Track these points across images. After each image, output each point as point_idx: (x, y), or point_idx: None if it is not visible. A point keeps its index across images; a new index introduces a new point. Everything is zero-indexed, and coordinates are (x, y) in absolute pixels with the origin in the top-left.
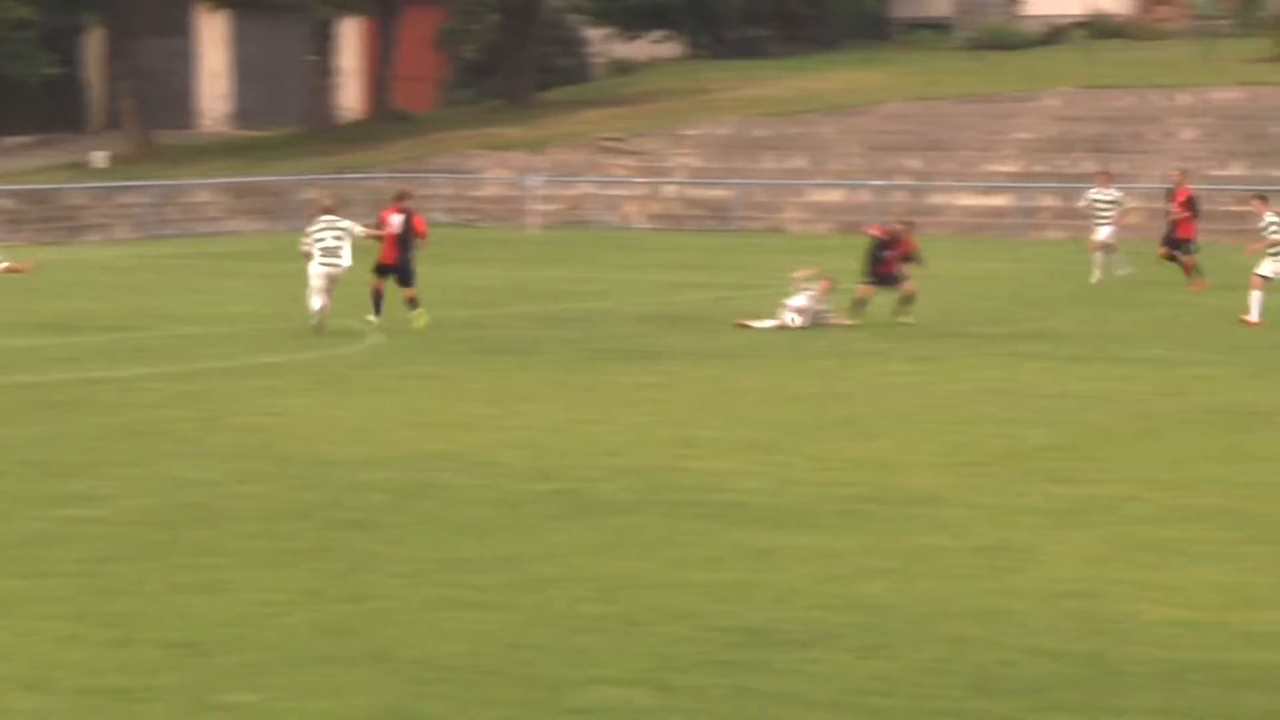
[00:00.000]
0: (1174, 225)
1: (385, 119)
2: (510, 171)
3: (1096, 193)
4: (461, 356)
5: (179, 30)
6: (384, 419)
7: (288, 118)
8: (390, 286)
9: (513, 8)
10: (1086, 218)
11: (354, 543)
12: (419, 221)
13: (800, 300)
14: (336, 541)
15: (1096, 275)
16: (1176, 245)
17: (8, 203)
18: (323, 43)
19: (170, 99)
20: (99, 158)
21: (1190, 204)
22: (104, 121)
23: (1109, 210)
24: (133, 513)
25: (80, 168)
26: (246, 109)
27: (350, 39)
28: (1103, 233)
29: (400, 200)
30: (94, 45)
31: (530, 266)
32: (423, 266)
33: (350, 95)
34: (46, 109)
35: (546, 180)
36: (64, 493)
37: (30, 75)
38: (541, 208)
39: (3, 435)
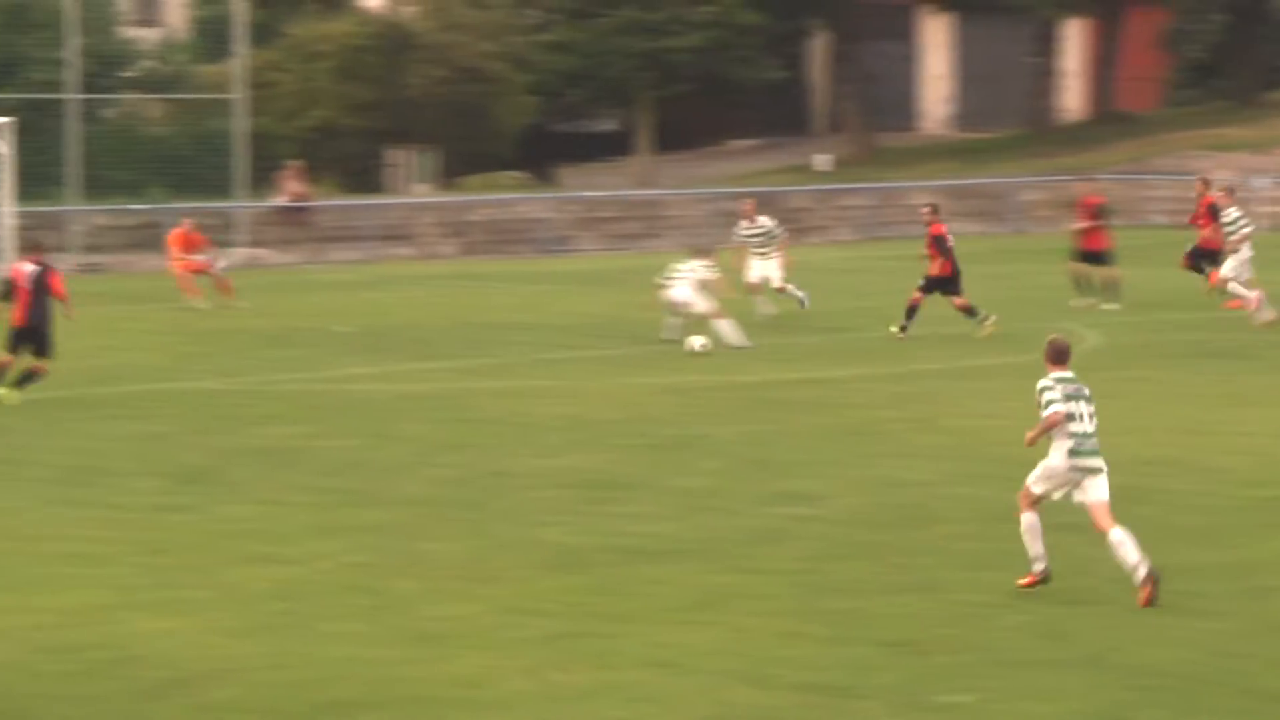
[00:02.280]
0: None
1: (1107, 120)
2: (1234, 173)
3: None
4: (1178, 360)
5: (901, 34)
6: (1101, 423)
7: (1008, 119)
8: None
9: (1241, 7)
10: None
11: (1066, 546)
12: (937, 231)
13: None
14: (1051, 544)
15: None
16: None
17: (733, 206)
18: (1044, 44)
19: (892, 102)
20: (821, 160)
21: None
22: (826, 125)
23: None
24: (848, 512)
25: (802, 170)
26: (967, 111)
27: (1073, 40)
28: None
29: (933, 211)
30: (818, 50)
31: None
32: (1144, 269)
33: (1072, 96)
34: (770, 113)
35: (1274, 182)
36: (782, 491)
37: (755, 80)
38: (1268, 209)
39: (726, 433)
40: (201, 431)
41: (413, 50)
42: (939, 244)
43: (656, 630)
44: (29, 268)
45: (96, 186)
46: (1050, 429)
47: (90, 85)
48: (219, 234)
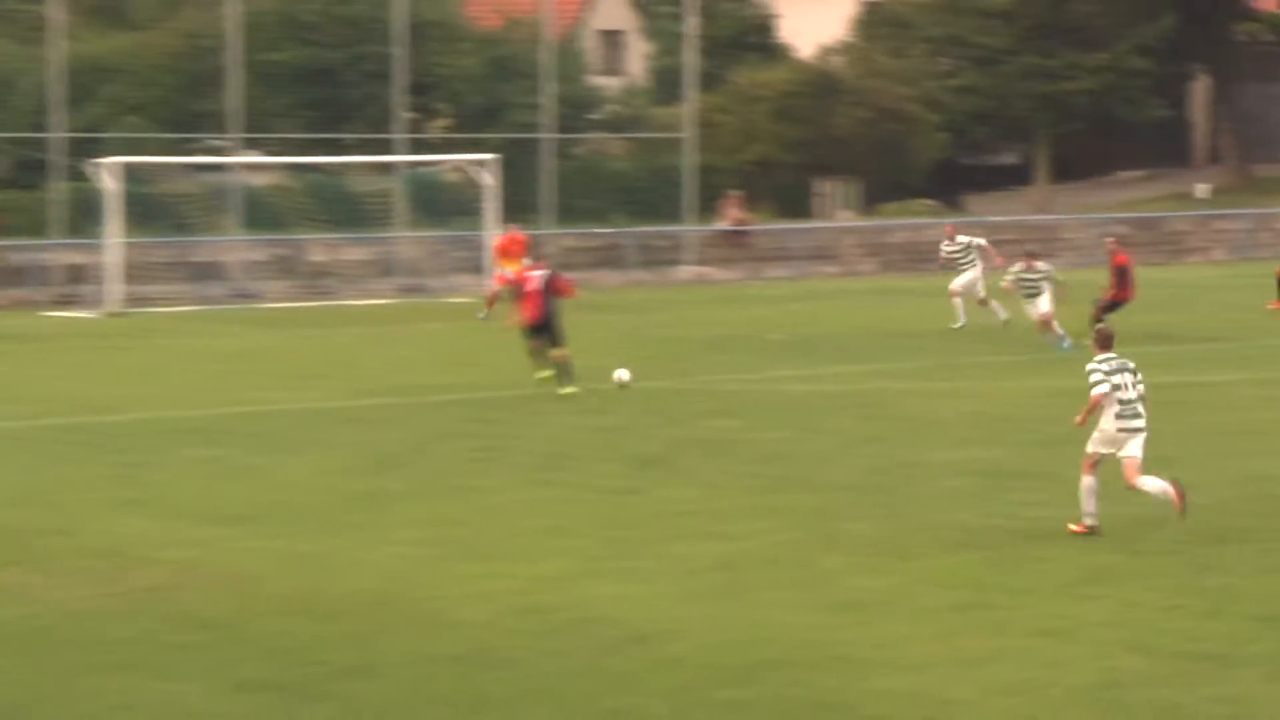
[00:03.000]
0: None
1: None
2: None
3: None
4: None
5: (1276, 76)
6: None
7: None
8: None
9: None
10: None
11: None
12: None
13: None
14: None
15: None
16: None
17: (1122, 229)
18: None
19: (1267, 136)
20: (1201, 189)
21: None
22: (1206, 157)
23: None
24: (1223, 502)
25: (1183, 198)
26: None
27: None
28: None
29: (1118, 243)
30: (1200, 90)
31: None
32: None
33: None
34: (1155, 147)
35: None
36: None
37: (1142, 117)
38: None
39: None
40: (655, 424)
41: (840, 94)
42: (1121, 273)
43: (1049, 603)
44: (538, 273)
45: (566, 213)
46: (1094, 408)
47: (563, 126)
48: (670, 254)
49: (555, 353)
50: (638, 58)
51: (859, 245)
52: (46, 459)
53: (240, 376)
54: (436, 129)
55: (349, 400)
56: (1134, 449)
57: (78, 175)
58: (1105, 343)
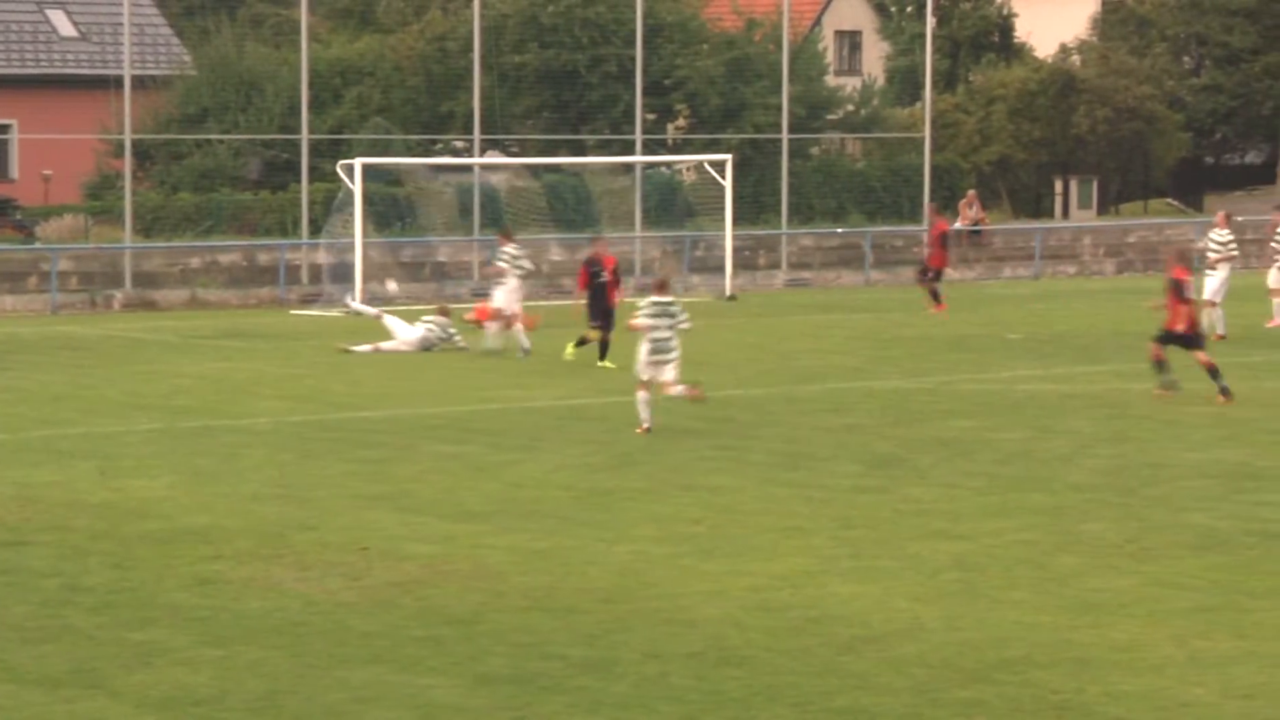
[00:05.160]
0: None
1: None
2: None
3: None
4: None
5: None
6: None
7: None
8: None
9: None
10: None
11: None
12: None
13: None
14: None
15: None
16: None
17: None
18: None
19: None
20: None
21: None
22: None
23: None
24: None
25: None
26: None
27: None
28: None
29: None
30: None
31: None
32: None
33: None
34: None
35: None
36: None
37: None
38: None
39: None
40: (891, 424)
41: (1079, 93)
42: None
43: None
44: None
45: (802, 213)
46: (637, 331)
47: (799, 126)
48: (907, 254)
49: (592, 333)
50: (875, 58)
51: (1098, 245)
52: (297, 455)
53: (481, 374)
54: (674, 130)
55: (590, 398)
56: (666, 374)
57: (324, 176)
58: (659, 288)
